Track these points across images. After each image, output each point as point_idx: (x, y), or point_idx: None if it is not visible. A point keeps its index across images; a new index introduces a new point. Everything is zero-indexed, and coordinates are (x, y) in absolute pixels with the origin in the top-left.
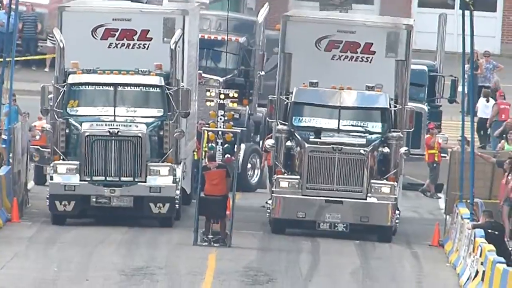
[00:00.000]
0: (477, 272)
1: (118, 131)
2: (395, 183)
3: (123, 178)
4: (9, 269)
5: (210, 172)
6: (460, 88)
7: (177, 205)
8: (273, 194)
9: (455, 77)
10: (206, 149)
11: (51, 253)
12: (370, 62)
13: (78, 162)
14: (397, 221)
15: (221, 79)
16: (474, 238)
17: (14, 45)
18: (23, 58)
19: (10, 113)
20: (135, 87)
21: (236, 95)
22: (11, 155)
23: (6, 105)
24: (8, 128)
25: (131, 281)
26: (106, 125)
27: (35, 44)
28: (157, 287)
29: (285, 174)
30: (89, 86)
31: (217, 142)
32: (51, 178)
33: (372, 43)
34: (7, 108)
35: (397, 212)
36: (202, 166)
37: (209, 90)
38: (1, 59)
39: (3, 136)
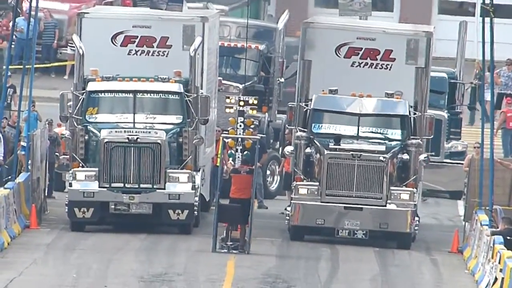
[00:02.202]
0: (495, 278)
1: (137, 138)
2: (415, 190)
3: (142, 185)
4: (28, 276)
5: (239, 175)
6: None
7: (195, 212)
8: (292, 201)
9: (475, 84)
10: (223, 156)
11: (70, 259)
12: (389, 69)
13: (97, 169)
14: (416, 227)
15: (240, 86)
16: (493, 244)
17: (34, 51)
18: (42, 65)
19: (29, 120)
20: (154, 94)
21: (255, 102)
22: (30, 162)
23: (25, 111)
24: (27, 135)
25: None
26: (125, 131)
27: (55, 51)
28: None
29: (304, 180)
30: (109, 93)
31: (237, 149)
32: (70, 185)
33: (392, 50)
34: (26, 114)
35: (416, 218)
36: (232, 169)
37: (228, 97)
38: (21, 66)
39: (22, 143)
